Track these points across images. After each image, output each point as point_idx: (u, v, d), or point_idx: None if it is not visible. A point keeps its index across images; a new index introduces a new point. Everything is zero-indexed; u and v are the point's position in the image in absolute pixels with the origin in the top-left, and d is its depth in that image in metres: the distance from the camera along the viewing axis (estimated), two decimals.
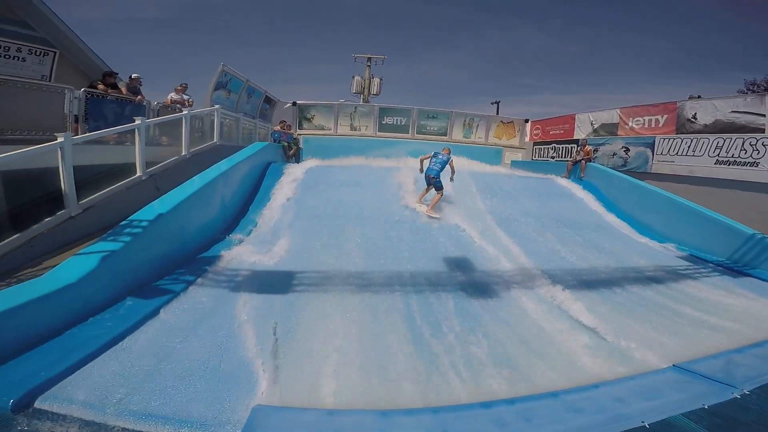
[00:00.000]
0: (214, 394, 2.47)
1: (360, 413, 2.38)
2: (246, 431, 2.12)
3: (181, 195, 5.22)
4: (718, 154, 8.71)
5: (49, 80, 7.57)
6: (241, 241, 5.87)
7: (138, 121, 5.75)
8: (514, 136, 14.82)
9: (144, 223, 4.32)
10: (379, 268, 5.28)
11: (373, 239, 6.22)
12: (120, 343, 2.96)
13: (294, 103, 14.29)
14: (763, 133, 8.02)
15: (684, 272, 6.60)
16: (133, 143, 5.92)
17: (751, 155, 8.13)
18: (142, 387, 2.50)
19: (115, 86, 7.00)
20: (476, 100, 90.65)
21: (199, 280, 4.42)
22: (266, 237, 6.19)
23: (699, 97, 9.81)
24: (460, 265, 5.62)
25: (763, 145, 7.90)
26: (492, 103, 22.47)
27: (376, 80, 16.46)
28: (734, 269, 6.82)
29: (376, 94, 16.51)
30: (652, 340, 3.87)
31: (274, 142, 11.15)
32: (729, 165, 8.52)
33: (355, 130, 14.67)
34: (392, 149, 13.80)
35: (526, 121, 14.97)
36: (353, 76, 16.69)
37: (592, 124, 12.20)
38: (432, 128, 14.43)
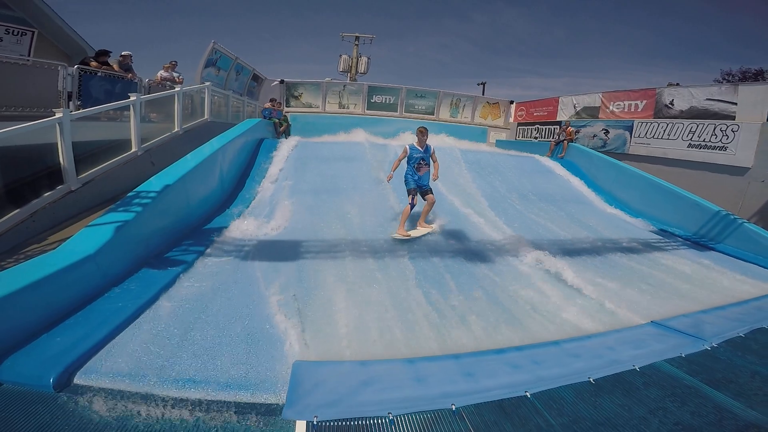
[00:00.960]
0: (251, 356, 2.58)
1: (389, 362, 2.58)
2: (293, 383, 2.27)
3: (185, 167, 5.19)
4: (691, 138, 9.16)
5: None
6: (241, 214, 5.93)
7: (133, 98, 5.60)
8: (499, 117, 15.03)
9: (152, 194, 4.31)
10: (382, 235, 5.45)
11: (370, 210, 6.35)
12: (145, 314, 3.01)
13: (282, 81, 13.96)
14: (734, 120, 8.47)
15: (655, 244, 7.05)
16: (127, 120, 5.79)
17: (720, 140, 8.59)
18: (178, 355, 2.54)
19: (107, 65, 6.74)
20: (463, 81, 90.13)
21: (209, 250, 4.48)
22: (266, 209, 6.26)
23: (678, 84, 10.20)
24: (455, 234, 5.85)
25: (733, 131, 8.36)
26: (478, 84, 22.57)
27: (363, 59, 16.14)
28: (700, 243, 7.33)
29: (364, 73, 16.25)
30: (631, 300, 4.25)
31: (265, 118, 10.96)
32: (700, 148, 8.99)
33: (344, 108, 14.52)
34: (381, 127, 13.82)
35: (512, 102, 15.17)
36: (340, 55, 16.32)
37: (574, 107, 12.50)
38: (420, 107, 14.44)
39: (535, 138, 13.58)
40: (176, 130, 7.19)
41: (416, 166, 5.43)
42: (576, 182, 9.85)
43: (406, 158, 5.48)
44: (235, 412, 2.11)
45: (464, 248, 5.38)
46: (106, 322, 2.78)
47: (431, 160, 5.57)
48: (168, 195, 4.56)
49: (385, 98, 14.28)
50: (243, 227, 5.32)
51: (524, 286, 4.32)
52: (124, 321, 2.82)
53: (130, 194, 4.27)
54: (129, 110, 5.63)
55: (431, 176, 5.58)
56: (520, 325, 3.47)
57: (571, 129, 10.88)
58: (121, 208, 3.99)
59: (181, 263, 3.96)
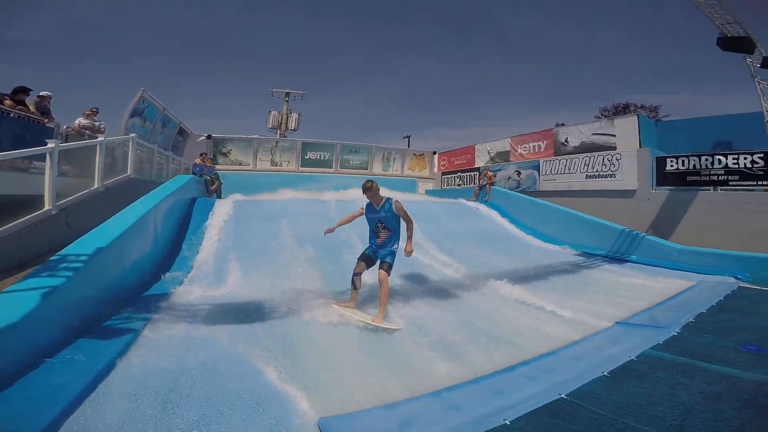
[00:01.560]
0: (260, 424, 2.14)
1: (415, 399, 2.33)
2: None
3: (120, 227, 4.50)
4: (587, 170, 10.78)
5: None
6: (183, 278, 5.17)
7: (51, 144, 4.85)
8: (425, 168, 16.14)
9: (83, 257, 3.60)
10: (343, 285, 5.17)
11: (323, 264, 6.05)
12: (100, 388, 2.36)
13: (209, 137, 13.39)
14: (615, 150, 10.23)
15: (583, 264, 7.84)
16: (37, 171, 4.93)
17: (609, 169, 10.26)
18: None
19: (23, 104, 5.84)
20: (389, 136, 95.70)
21: (156, 316, 3.78)
22: (210, 272, 5.55)
23: (563, 124, 12.17)
24: (414, 278, 5.83)
25: (617, 160, 10.06)
26: (404, 137, 24.22)
27: (294, 115, 16.33)
28: (615, 258, 8.36)
29: (294, 130, 16.38)
30: (588, 310, 4.68)
31: (195, 176, 10.26)
32: (596, 178, 10.59)
33: (276, 165, 14.31)
34: (316, 184, 13.76)
35: (434, 153, 16.49)
36: (269, 111, 16.33)
37: (489, 153, 14.04)
38: (354, 162, 14.87)
39: (459, 185, 14.76)
40: (96, 186, 6.32)
41: (373, 229, 4.23)
42: (502, 221, 10.77)
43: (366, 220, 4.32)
44: None
45: (428, 289, 5.39)
46: (54, 400, 2.12)
47: (396, 222, 4.19)
48: (101, 258, 3.85)
49: (320, 154, 14.48)
50: (189, 292, 4.63)
51: (500, 312, 4.48)
52: (76, 397, 2.16)
53: (54, 258, 3.53)
54: (44, 160, 4.82)
55: (396, 245, 4.18)
56: (513, 345, 3.49)
57: (490, 173, 12.08)
58: (44, 273, 3.25)
59: (128, 331, 3.27)
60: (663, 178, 9.37)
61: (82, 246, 3.81)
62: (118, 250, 4.33)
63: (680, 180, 9.08)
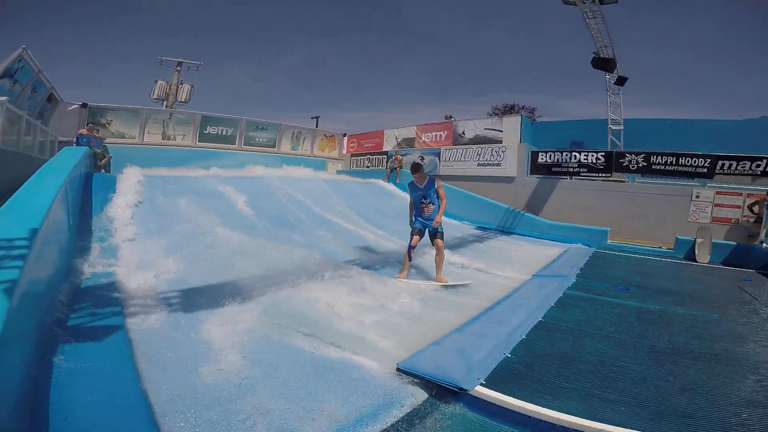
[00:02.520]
0: (351, 387, 2.33)
1: (447, 336, 2.94)
2: (428, 375, 2.35)
3: (43, 203, 3.73)
4: (479, 159, 12.64)
5: None
6: (115, 266, 4.39)
7: None
8: (335, 149, 16.32)
9: (23, 242, 3.00)
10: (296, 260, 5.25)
11: (268, 242, 5.97)
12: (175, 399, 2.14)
13: (84, 105, 10.91)
14: (502, 143, 12.26)
15: (483, 236, 9.45)
16: None
17: (496, 159, 12.27)
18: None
19: None
20: (299, 115, 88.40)
21: (128, 310, 3.38)
22: (150, 255, 4.97)
23: (451, 117, 14.01)
24: (366, 250, 6.33)
25: (503, 152, 12.10)
26: (312, 118, 23.65)
27: (185, 86, 14.40)
28: (505, 231, 10.28)
29: (185, 102, 14.48)
30: (506, 268, 5.83)
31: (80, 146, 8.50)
32: (486, 166, 12.52)
33: (169, 139, 12.57)
34: (217, 161, 12.68)
35: (344, 135, 16.76)
36: (156, 81, 14.06)
37: (396, 138, 15.04)
38: (261, 140, 14.05)
39: (368, 167, 15.48)
40: None
41: (419, 205, 4.81)
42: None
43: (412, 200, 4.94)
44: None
45: (384, 258, 5.94)
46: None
47: (437, 197, 4.78)
48: (42, 243, 3.24)
49: (222, 129, 13.21)
50: (138, 279, 4.09)
51: (455, 273, 5.38)
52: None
53: None
54: None
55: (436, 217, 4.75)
56: (479, 294, 4.34)
57: (400, 157, 13.09)
58: None
59: (112, 329, 2.92)
60: (535, 168, 11.73)
61: (16, 227, 3.14)
62: (52, 234, 3.64)
63: (547, 170, 11.53)
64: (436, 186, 4.78)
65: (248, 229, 6.40)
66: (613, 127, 11.12)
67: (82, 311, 3.28)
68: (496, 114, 20.33)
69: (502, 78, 62.60)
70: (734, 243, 8.21)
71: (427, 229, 4.87)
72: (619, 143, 11.11)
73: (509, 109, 22.10)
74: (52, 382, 2.12)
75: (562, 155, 11.28)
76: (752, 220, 8.78)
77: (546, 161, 11.56)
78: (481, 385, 2.22)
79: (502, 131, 12.30)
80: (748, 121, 11.08)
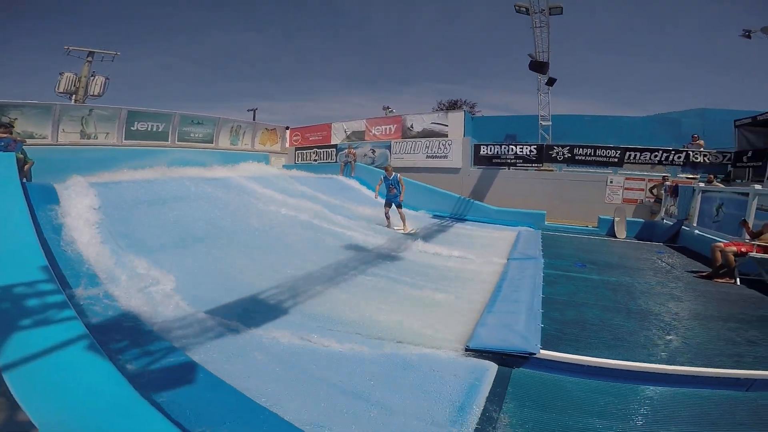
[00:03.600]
0: (432, 379, 2.81)
1: (483, 318, 3.65)
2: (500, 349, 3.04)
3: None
4: (427, 152, 13.67)
5: None
6: (104, 293, 3.85)
7: None
8: (277, 142, 15.98)
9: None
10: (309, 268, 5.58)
11: (260, 246, 6.14)
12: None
13: None
14: (447, 137, 13.41)
15: (444, 224, 10.49)
16: None
17: (443, 151, 13.41)
18: None
19: None
20: (228, 106, 79.08)
21: (147, 348, 3.15)
22: (136, 278, 4.50)
23: (390, 108, 14.91)
24: (357, 248, 6.80)
25: (449, 145, 13.26)
26: (248, 111, 22.32)
27: (99, 79, 12.71)
28: (458, 218, 11.46)
29: (98, 95, 12.84)
30: (479, 253, 6.81)
31: None
32: (434, 158, 13.61)
33: (90, 137, 11.20)
34: (150, 160, 11.77)
35: (287, 128, 16.46)
36: (61, 73, 12.18)
37: (345, 132, 15.35)
38: (197, 135, 13.16)
39: (315, 161, 15.55)
40: None
41: (388, 187, 9.03)
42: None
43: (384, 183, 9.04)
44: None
45: (377, 255, 6.49)
46: None
47: (398, 185, 8.99)
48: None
49: (152, 125, 12.08)
50: (136, 305, 3.70)
51: (430, 262, 6.17)
52: None
53: None
54: None
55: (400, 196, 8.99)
56: (470, 279, 5.20)
57: (354, 151, 13.52)
58: None
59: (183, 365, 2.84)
60: (478, 159, 13.11)
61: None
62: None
63: (489, 161, 12.98)
64: (398, 178, 9.03)
65: (237, 236, 6.44)
66: (543, 123, 12.94)
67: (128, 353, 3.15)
68: (441, 109, 21.66)
69: (432, 68, 65.19)
70: (642, 220, 10.39)
71: (393, 203, 8.92)
72: (547, 137, 12.97)
73: (453, 105, 23.70)
74: None
75: (501, 148, 12.80)
76: (652, 200, 11.13)
77: (487, 153, 13.00)
78: (541, 348, 3.00)
79: (447, 125, 13.43)
80: (647, 117, 13.79)
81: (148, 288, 4.11)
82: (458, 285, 5.00)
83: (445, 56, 63.66)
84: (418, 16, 64.81)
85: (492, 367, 2.94)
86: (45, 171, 8.99)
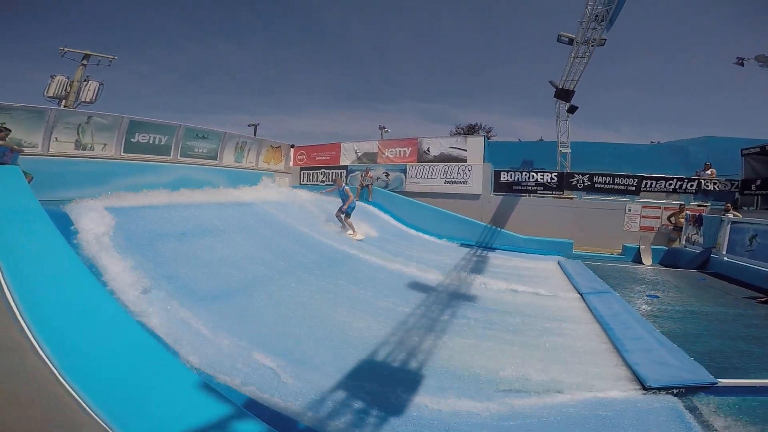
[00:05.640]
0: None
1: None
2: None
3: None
4: (446, 177, 14.12)
5: None
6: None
7: None
8: (281, 161, 15.82)
9: None
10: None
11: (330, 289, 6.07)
12: None
13: None
14: (466, 162, 13.95)
15: (475, 253, 10.83)
16: None
17: (462, 177, 13.91)
18: None
19: None
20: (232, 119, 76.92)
21: None
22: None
23: (384, 127, 15.55)
24: (415, 286, 6.89)
25: (469, 170, 13.79)
26: (249, 125, 22.05)
27: (92, 84, 12.19)
28: (485, 247, 11.86)
29: (90, 102, 12.27)
30: (540, 286, 7.19)
31: None
32: (452, 183, 14.06)
33: (84, 148, 10.61)
34: (151, 176, 11.37)
35: (292, 146, 16.38)
36: (52, 76, 11.58)
37: (356, 153, 15.52)
38: (201, 150, 12.78)
39: (323, 182, 15.54)
40: None
41: (341, 198, 10.19)
42: (391, 220, 12.80)
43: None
44: None
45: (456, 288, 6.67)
46: None
47: (345, 196, 10.12)
48: None
49: (154, 137, 11.62)
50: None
51: (507, 299, 6.45)
52: None
53: None
54: None
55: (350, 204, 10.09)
56: (563, 318, 5.46)
57: (371, 174, 13.70)
58: None
59: None
60: (498, 186, 13.72)
61: None
62: None
63: (509, 188, 13.61)
64: (344, 190, 10.23)
65: (296, 277, 6.34)
66: (562, 150, 13.84)
67: None
68: (460, 133, 22.43)
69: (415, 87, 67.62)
70: (664, 248, 11.28)
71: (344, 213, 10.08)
72: (566, 164, 13.85)
73: (471, 129, 24.61)
74: None
75: (521, 174, 13.50)
76: (670, 227, 12.10)
77: (507, 180, 13.65)
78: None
79: (466, 150, 14.00)
80: (656, 145, 15.12)
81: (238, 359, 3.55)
82: (555, 324, 5.22)
83: (426, 76, 66.49)
84: (395, 33, 67.59)
85: (678, 402, 3.19)
86: (37, 187, 8.50)
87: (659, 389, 3.31)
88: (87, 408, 2.13)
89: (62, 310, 2.98)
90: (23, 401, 2.29)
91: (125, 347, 2.71)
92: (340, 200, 10.32)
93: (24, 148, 9.04)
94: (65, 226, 5.71)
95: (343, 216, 10.19)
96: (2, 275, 3.07)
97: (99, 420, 2.06)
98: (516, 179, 13.56)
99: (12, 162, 7.37)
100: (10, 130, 8.00)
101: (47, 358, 2.44)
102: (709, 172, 12.64)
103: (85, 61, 12.36)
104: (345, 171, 15.32)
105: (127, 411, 2.15)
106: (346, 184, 13.37)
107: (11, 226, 3.98)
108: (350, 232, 10.00)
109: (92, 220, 6.26)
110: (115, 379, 2.40)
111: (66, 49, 12.07)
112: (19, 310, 2.80)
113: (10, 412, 2.19)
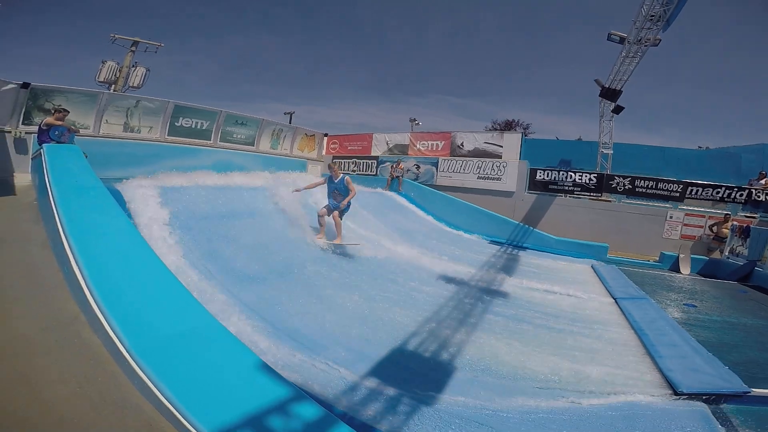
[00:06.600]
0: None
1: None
2: None
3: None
4: (479, 172, 14.24)
5: None
6: None
7: None
8: (314, 149, 16.35)
9: None
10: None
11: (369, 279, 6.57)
12: None
13: (25, 85, 9.27)
14: (501, 158, 14.02)
15: (505, 251, 10.98)
16: None
17: (497, 173, 14.00)
18: None
19: None
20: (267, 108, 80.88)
21: None
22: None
23: (416, 121, 15.65)
24: (458, 282, 7.20)
25: (503, 167, 13.87)
26: (285, 114, 22.97)
27: (140, 70, 13.00)
28: (516, 245, 11.98)
29: (138, 87, 13.09)
30: (575, 288, 7.27)
31: (52, 142, 7.53)
32: (486, 179, 14.18)
33: (132, 131, 11.36)
34: (192, 159, 12.03)
35: (325, 135, 16.87)
36: (103, 61, 12.43)
37: (387, 144, 15.84)
38: (239, 136, 13.43)
39: (353, 171, 15.97)
40: None
41: (332, 193, 7.38)
42: (421, 213, 13.09)
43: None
44: None
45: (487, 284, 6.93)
46: None
47: (346, 191, 7.27)
48: None
49: (197, 122, 12.31)
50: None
51: (539, 298, 6.64)
52: None
53: None
54: None
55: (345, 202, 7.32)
56: (598, 322, 5.64)
57: (403, 165, 14.00)
58: None
59: None
60: (533, 184, 13.74)
61: None
62: None
63: (544, 187, 13.61)
64: (345, 182, 7.30)
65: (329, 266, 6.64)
66: (604, 151, 13.69)
67: None
68: (496, 129, 22.39)
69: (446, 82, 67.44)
70: (705, 258, 11.10)
71: (336, 210, 7.30)
72: (607, 165, 13.70)
73: (508, 125, 24.52)
74: None
75: (558, 174, 13.46)
76: (712, 237, 11.87)
77: (543, 179, 13.64)
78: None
79: (502, 146, 14.06)
80: (706, 151, 14.71)
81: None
82: (587, 327, 5.39)
83: (461, 71, 65.98)
84: (433, 29, 67.11)
85: (706, 408, 3.38)
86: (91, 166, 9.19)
87: (691, 395, 3.51)
88: (149, 386, 2.14)
89: (129, 286, 2.97)
90: (77, 378, 2.29)
91: (189, 327, 2.72)
92: (330, 197, 7.44)
93: (79, 129, 9.73)
94: (120, 203, 6.24)
95: (326, 217, 7.45)
96: (70, 249, 3.18)
97: (162, 398, 2.07)
98: (552, 178, 13.53)
99: (69, 141, 8.04)
100: (68, 111, 8.66)
101: (114, 334, 2.43)
102: (763, 182, 12.24)
103: (133, 48, 13.14)
104: (376, 161, 15.66)
105: (191, 391, 2.12)
106: (390, 174, 13.41)
107: (77, 202, 4.19)
108: (334, 240, 7.34)
109: (143, 197, 6.74)
110: (180, 357, 2.39)
111: (116, 36, 12.87)
112: (87, 286, 2.80)
113: (63, 389, 2.20)
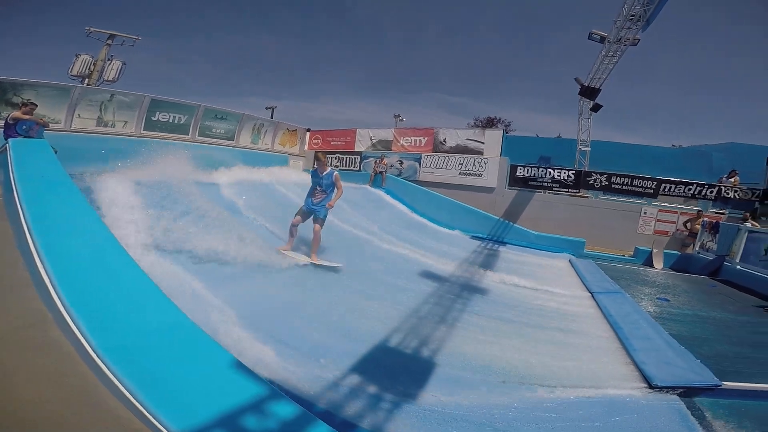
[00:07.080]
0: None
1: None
2: None
3: None
4: (461, 168, 14.34)
5: None
6: None
7: None
8: (296, 145, 16.16)
9: None
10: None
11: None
12: None
13: None
14: (482, 155, 14.14)
15: (486, 247, 11.11)
16: None
17: (478, 169, 14.13)
18: None
19: None
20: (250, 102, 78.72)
21: None
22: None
23: (400, 117, 15.60)
24: (431, 277, 7.24)
25: (485, 163, 14.00)
26: (266, 108, 22.47)
27: (115, 63, 12.59)
28: (497, 240, 12.14)
29: (113, 81, 12.66)
30: (548, 283, 7.46)
31: (19, 136, 7.26)
32: (467, 176, 14.29)
33: (106, 125, 11.01)
34: (168, 154, 11.73)
35: (308, 130, 16.68)
36: (77, 54, 12.00)
37: (371, 139, 15.78)
38: (218, 131, 13.14)
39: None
40: None
41: (313, 191, 5.90)
42: (402, 208, 13.10)
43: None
44: None
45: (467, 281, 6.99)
46: None
47: (332, 188, 5.85)
48: None
49: (174, 116, 11.98)
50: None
51: (516, 296, 6.73)
52: None
53: None
54: None
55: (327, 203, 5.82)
56: (574, 318, 5.77)
57: (386, 161, 13.97)
58: None
59: None
60: (513, 180, 13.92)
61: None
62: None
63: (524, 183, 13.81)
64: (333, 179, 5.86)
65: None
66: (582, 148, 13.95)
67: None
68: (478, 126, 22.50)
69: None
70: (677, 252, 11.45)
71: (312, 214, 5.89)
72: (585, 162, 13.98)
73: (490, 122, 24.66)
74: None
75: (538, 170, 13.68)
76: (685, 233, 12.26)
77: (523, 175, 13.83)
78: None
79: (484, 143, 14.18)
80: (679, 149, 15.15)
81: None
82: (564, 321, 5.49)
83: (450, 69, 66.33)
84: (423, 28, 67.20)
85: (680, 402, 3.48)
86: (60, 161, 8.86)
87: (665, 388, 3.61)
88: (118, 386, 2.07)
89: (97, 284, 2.85)
90: (47, 379, 2.22)
91: (160, 324, 2.63)
92: (309, 195, 6.00)
93: (49, 123, 9.38)
94: (90, 199, 6.00)
95: (298, 227, 6.01)
96: (35, 248, 3.03)
97: (131, 398, 2.01)
98: (532, 175, 13.74)
99: (38, 136, 7.75)
100: (36, 105, 8.35)
101: (79, 332, 2.34)
102: (733, 179, 12.68)
103: (109, 41, 12.74)
104: (359, 157, 15.60)
105: (161, 390, 2.06)
106: (373, 170, 13.47)
107: (43, 199, 4.00)
108: (308, 257, 5.94)
109: (114, 192, 6.51)
110: (150, 356, 2.31)
111: (92, 29, 12.44)
112: (53, 284, 2.68)
113: (35, 389, 2.13)
